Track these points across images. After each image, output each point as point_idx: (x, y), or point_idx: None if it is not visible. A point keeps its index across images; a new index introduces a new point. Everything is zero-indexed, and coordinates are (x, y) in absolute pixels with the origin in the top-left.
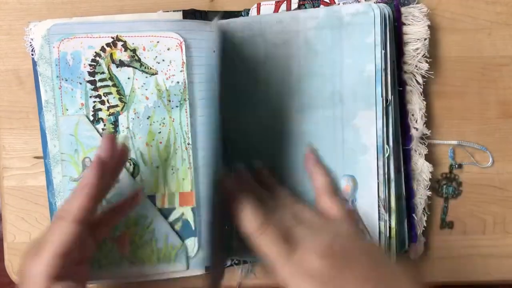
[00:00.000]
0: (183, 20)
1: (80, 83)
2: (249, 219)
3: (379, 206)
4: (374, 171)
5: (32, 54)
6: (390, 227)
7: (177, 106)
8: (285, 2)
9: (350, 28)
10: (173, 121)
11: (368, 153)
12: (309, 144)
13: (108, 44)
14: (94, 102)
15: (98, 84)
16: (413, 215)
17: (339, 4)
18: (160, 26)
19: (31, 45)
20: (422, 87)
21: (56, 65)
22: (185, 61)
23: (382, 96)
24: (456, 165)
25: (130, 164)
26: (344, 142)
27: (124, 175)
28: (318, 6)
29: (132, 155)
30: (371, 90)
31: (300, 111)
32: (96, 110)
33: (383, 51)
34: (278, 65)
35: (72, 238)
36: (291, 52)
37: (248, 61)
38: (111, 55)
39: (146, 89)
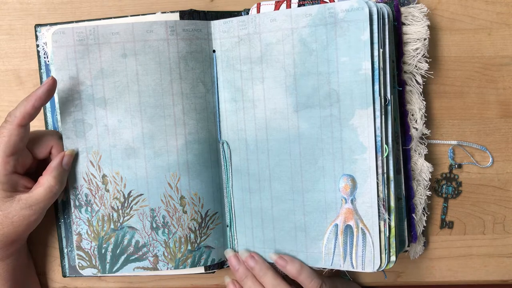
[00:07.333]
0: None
1: None
2: None
3: (378, 205)
4: (373, 171)
5: (45, 57)
6: (390, 227)
7: None
8: (285, 2)
9: (344, 25)
10: None
11: (367, 152)
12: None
13: None
14: None
15: None
16: (413, 215)
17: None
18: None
19: (43, 49)
20: (422, 87)
21: None
22: None
23: (380, 95)
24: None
25: None
26: (343, 142)
27: None
28: None
29: None
30: (368, 88)
31: (297, 110)
32: None
33: (381, 50)
34: (274, 64)
35: (18, 138)
36: (286, 50)
37: (244, 60)
38: None
39: None
